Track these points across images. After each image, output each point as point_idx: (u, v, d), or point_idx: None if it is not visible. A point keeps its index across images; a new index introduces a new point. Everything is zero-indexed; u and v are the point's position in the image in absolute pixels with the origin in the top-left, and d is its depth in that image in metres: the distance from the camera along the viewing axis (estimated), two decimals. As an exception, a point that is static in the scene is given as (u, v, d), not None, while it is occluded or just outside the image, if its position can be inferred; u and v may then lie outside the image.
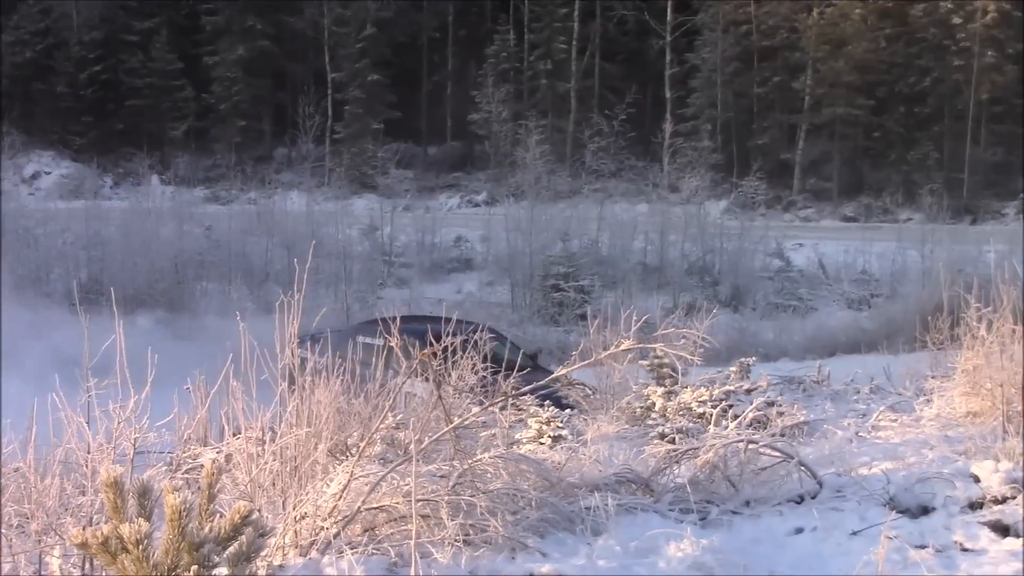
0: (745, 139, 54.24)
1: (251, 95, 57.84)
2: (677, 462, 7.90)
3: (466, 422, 6.94)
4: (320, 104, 50.43)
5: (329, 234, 37.29)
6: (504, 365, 9.21)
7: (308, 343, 11.14)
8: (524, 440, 10.48)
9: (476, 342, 11.02)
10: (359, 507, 6.06)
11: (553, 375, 8.02)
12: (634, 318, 9.06)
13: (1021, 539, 6.64)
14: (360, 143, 54.89)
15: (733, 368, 13.33)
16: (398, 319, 7.84)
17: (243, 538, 4.01)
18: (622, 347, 6.76)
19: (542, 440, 10.38)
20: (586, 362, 7.22)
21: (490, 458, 6.75)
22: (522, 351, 18.13)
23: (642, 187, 41.71)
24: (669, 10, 55.39)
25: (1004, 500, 7.28)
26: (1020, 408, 9.10)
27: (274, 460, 6.64)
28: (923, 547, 6.57)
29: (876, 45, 53.74)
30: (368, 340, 13.91)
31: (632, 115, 49.20)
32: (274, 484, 6.64)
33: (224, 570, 3.94)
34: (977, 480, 7.60)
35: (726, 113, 54.95)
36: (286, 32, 59.62)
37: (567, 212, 37.51)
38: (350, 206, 42.69)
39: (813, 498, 7.63)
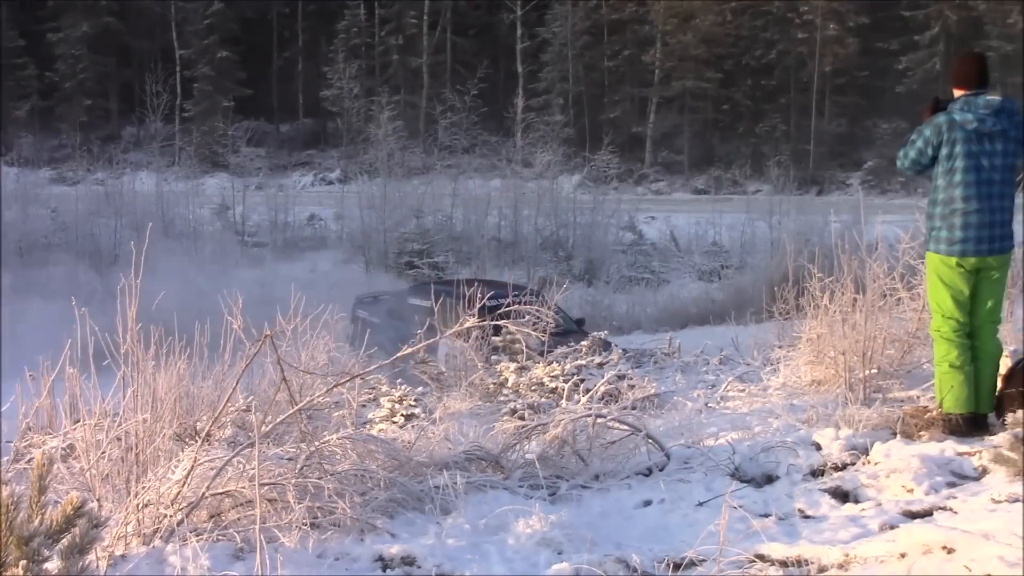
0: (597, 113, 54.66)
1: (97, 73, 56.82)
2: (527, 438, 7.92)
3: (311, 403, 6.86)
4: (168, 82, 49.50)
5: (180, 214, 36.74)
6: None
7: (366, 304, 11.29)
8: (377, 419, 10.45)
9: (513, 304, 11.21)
10: (204, 493, 5.97)
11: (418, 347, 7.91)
12: (480, 295, 9.06)
13: (860, 504, 6.78)
14: (210, 121, 54.18)
15: (585, 342, 13.40)
16: (461, 283, 7.76)
17: (76, 530, 3.91)
18: (466, 324, 6.75)
19: (395, 419, 10.36)
20: (430, 340, 7.19)
21: (338, 439, 6.70)
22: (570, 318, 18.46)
23: (495, 162, 41.68)
24: (520, -16, 55.57)
25: (844, 467, 7.43)
26: (862, 376, 9.30)
27: (116, 448, 6.50)
28: (766, 515, 6.68)
29: (723, 18, 54.58)
30: (417, 302, 14.07)
31: (484, 90, 49.19)
32: (118, 472, 6.50)
33: (57, 563, 3.85)
34: (819, 448, 7.75)
35: (577, 87, 55.34)
36: (131, 8, 58.59)
37: (421, 189, 37.42)
38: (201, 185, 42.01)
39: (661, 470, 7.71)
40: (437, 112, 46.96)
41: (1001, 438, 6.69)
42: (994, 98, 7.71)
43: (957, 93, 7.87)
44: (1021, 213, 8.86)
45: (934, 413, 7.96)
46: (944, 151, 7.70)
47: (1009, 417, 6.15)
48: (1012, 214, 7.92)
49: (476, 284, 14.11)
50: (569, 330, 18.33)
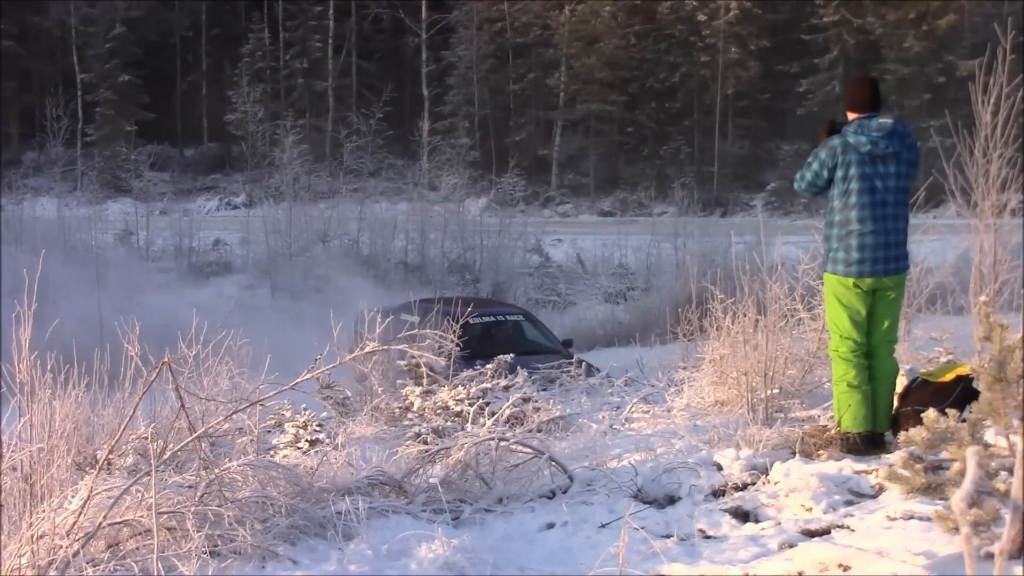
0: (503, 136, 54.82)
1: (-4, 97, 56.01)
2: (430, 462, 7.91)
3: (211, 430, 6.79)
4: (69, 106, 48.82)
5: (82, 240, 36.23)
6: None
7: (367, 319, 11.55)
8: (281, 445, 10.36)
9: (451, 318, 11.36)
10: (101, 522, 5.89)
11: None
12: (379, 319, 9.04)
13: (760, 524, 6.85)
14: (113, 146, 53.62)
15: (491, 366, 13.39)
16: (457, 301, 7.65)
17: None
18: (367, 349, 6.73)
19: (299, 445, 10.28)
20: (332, 365, 7.15)
21: (238, 466, 6.65)
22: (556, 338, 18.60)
23: (402, 186, 41.58)
24: (424, 8, 55.55)
25: (744, 487, 7.51)
26: (763, 396, 9.40)
27: (9, 478, 6.39)
28: (667, 536, 6.73)
29: (626, 42, 55.03)
30: (406, 318, 14.27)
31: (390, 113, 49.18)
32: (12, 503, 6.38)
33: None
34: (720, 468, 7.82)
35: (483, 110, 55.46)
36: (31, 32, 57.85)
37: (327, 212, 37.24)
38: (104, 211, 41.50)
39: (564, 492, 7.74)
40: (342, 136, 46.78)
41: (896, 456, 6.79)
42: (886, 121, 7.86)
43: (852, 116, 8.01)
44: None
45: (833, 432, 8.07)
46: (839, 173, 7.82)
47: (902, 435, 6.25)
48: (906, 235, 8.07)
49: (458, 302, 14.29)
50: (553, 350, 18.46)
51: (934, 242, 13.96)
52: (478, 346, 16.32)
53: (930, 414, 5.98)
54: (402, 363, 12.64)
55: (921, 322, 12.05)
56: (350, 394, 13.02)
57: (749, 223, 39.15)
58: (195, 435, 6.47)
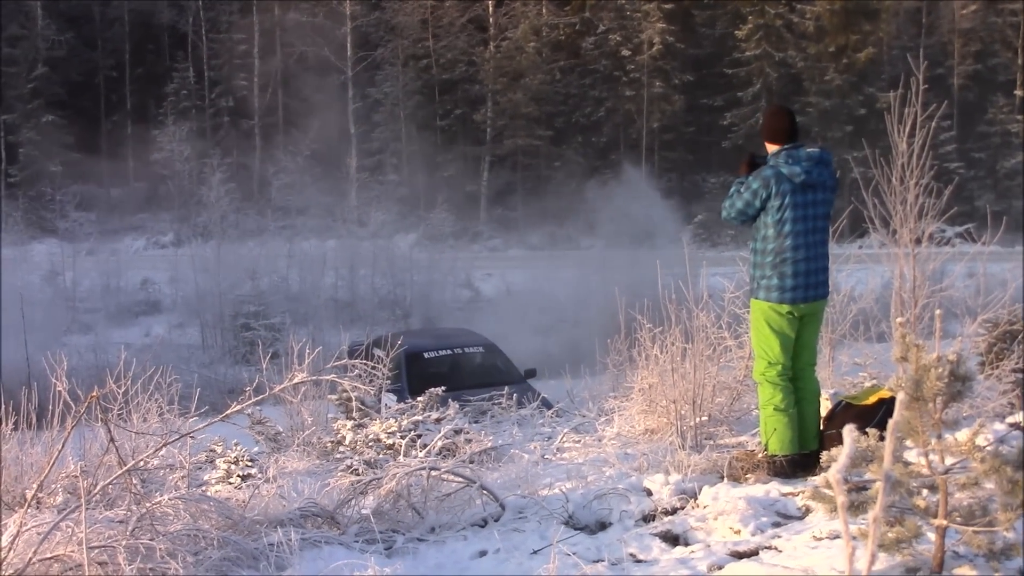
0: (431, 171, 54.82)
1: (-83, 138, 55.40)
2: (363, 493, 7.93)
3: (140, 464, 6.78)
4: (-8, 147, 48.54)
5: (7, 281, 35.86)
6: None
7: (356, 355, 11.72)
8: (213, 480, 10.33)
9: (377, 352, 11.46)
10: (30, 559, 5.86)
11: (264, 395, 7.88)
12: (308, 351, 9.06)
13: (689, 547, 6.93)
14: (37, 186, 53.05)
15: (421, 398, 13.42)
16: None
17: None
18: (294, 380, 6.75)
19: (231, 480, 10.25)
20: (259, 396, 7.15)
21: (169, 500, 6.65)
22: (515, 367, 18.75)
23: (330, 223, 41.60)
24: (349, 45, 55.51)
25: (674, 511, 7.59)
26: (692, 423, 9.50)
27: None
28: (598, 561, 6.79)
29: (552, 77, 55.46)
30: (377, 351, 14.52)
31: (317, 151, 49.19)
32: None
33: None
34: (650, 493, 7.90)
35: (411, 146, 55.43)
36: (-50, 72, 57.27)
37: (255, 250, 37.15)
38: (29, 252, 41.08)
39: (496, 520, 7.79)
40: (270, 173, 46.70)
41: (820, 477, 6.91)
42: (814, 150, 8.02)
43: (771, 147, 8.14)
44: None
45: (760, 456, 8.18)
46: (774, 203, 7.94)
47: (825, 456, 6.37)
48: (828, 260, 8.23)
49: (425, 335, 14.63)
50: (512, 380, 18.58)
51: (858, 271, 14.18)
52: (437, 378, 16.44)
53: (850, 432, 6.09)
54: (333, 398, 12.66)
55: (845, 348, 12.22)
56: (281, 429, 13.00)
57: (677, 255, 39.41)
58: (124, 468, 6.46)
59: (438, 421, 12.24)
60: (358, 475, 8.88)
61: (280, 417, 13.43)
